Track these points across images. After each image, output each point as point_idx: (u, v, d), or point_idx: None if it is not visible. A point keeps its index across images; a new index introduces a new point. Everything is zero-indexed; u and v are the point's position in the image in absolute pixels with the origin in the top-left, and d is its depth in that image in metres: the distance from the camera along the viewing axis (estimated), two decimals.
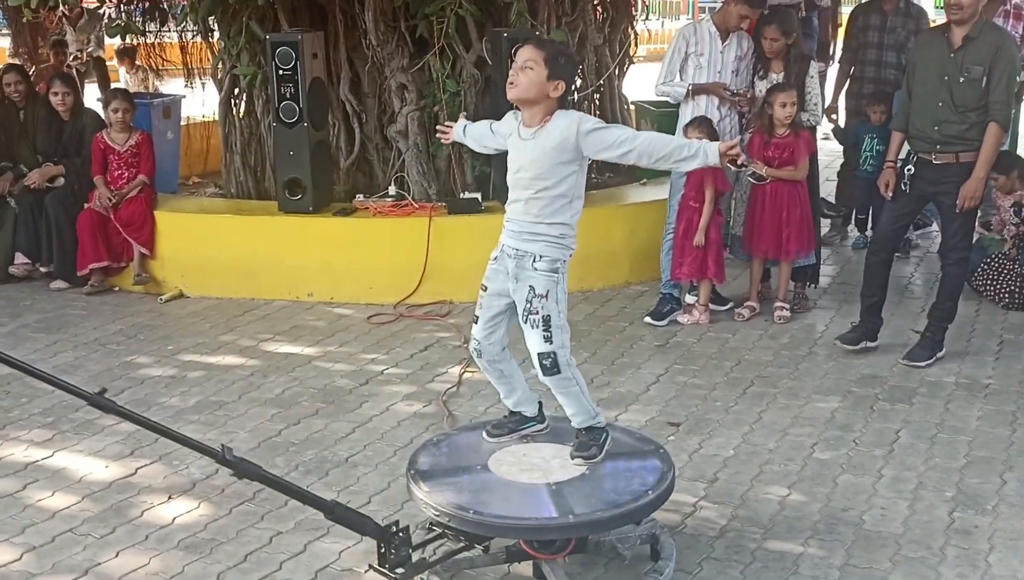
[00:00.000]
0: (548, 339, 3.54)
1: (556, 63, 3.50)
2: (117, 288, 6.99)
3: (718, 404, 5.02)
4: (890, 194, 5.42)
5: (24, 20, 9.10)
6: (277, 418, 4.92)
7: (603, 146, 3.50)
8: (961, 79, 5.11)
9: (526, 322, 3.58)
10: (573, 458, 3.59)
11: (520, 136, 3.60)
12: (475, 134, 3.98)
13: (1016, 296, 6.30)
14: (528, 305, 3.55)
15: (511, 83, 3.53)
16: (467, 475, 3.54)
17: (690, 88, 6.01)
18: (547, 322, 3.54)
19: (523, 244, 3.58)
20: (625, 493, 3.42)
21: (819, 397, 5.09)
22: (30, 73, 9.28)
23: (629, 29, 8.52)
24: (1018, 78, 5.47)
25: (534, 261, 3.56)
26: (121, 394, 5.21)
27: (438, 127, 4.20)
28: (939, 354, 5.48)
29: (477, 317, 3.74)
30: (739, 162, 3.51)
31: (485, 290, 3.72)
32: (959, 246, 5.38)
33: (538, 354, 3.56)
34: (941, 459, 4.42)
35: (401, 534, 3.34)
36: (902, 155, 5.49)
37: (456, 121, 4.09)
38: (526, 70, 3.49)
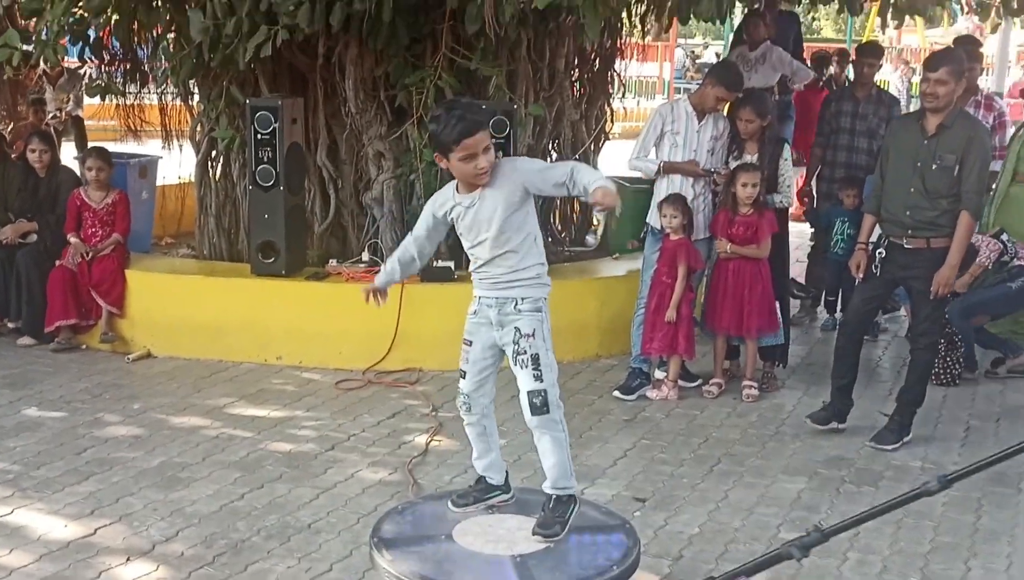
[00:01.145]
0: (538, 377, 3.57)
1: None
2: (85, 346, 6.92)
3: (685, 481, 5.00)
4: (861, 275, 5.48)
5: (4, 77, 9.12)
6: (240, 482, 4.86)
7: (549, 181, 3.56)
8: (934, 166, 5.19)
9: (516, 363, 3.60)
10: (535, 534, 3.56)
11: (464, 205, 3.61)
12: (404, 260, 3.89)
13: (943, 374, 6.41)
14: (516, 346, 3.59)
15: (485, 172, 3.54)
16: (431, 544, 3.51)
17: (661, 165, 6.08)
18: (536, 360, 3.58)
19: (502, 292, 3.62)
20: (590, 568, 3.40)
21: (786, 477, 5.08)
22: (8, 130, 9.31)
23: (606, 106, 8.65)
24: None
25: (517, 305, 3.60)
26: (84, 453, 5.14)
27: (371, 298, 4.07)
28: (906, 438, 5.50)
29: (464, 372, 3.75)
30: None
31: (470, 345, 3.73)
32: (929, 331, 5.43)
33: (528, 392, 3.58)
34: (906, 544, 4.41)
35: None
36: (873, 237, 5.57)
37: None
38: (489, 153, 3.54)
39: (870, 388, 6.34)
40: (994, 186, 7.20)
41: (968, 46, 6.96)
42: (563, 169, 3.58)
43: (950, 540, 4.45)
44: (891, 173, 5.38)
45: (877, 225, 5.51)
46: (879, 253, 5.39)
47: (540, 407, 3.58)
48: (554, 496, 3.65)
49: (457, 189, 3.64)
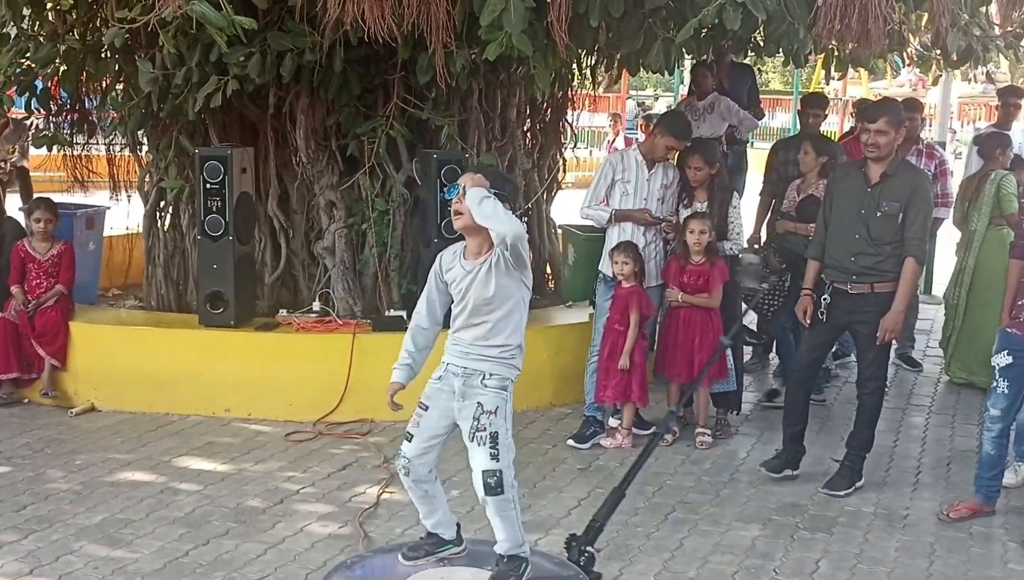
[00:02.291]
0: (495, 457, 3.52)
1: (512, 195, 3.58)
2: (27, 400, 6.76)
3: (639, 530, 4.96)
4: (808, 321, 5.52)
5: None
6: (185, 538, 4.74)
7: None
8: (878, 214, 5.26)
9: (472, 440, 3.55)
10: None
11: (464, 268, 3.63)
12: (423, 347, 3.89)
13: None
14: (476, 422, 3.54)
15: (457, 212, 3.56)
16: None
17: (613, 213, 6.11)
18: (495, 439, 3.53)
19: (472, 363, 3.58)
20: None
21: (740, 524, 5.06)
22: None
23: (558, 155, 8.69)
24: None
25: (483, 379, 3.56)
26: (23, 510, 5.00)
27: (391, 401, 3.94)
28: (858, 483, 5.51)
29: (411, 435, 3.69)
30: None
31: (425, 410, 3.68)
32: (875, 376, 5.47)
33: (483, 471, 3.52)
34: None
35: None
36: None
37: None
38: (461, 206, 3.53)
39: (822, 434, 6.36)
40: (973, 228, 7.32)
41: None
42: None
43: None
44: (835, 220, 5.44)
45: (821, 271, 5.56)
46: (824, 299, 5.44)
47: (494, 488, 3.53)
48: (508, 555, 3.60)
49: (464, 254, 3.65)
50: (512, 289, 3.60)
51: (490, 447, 3.53)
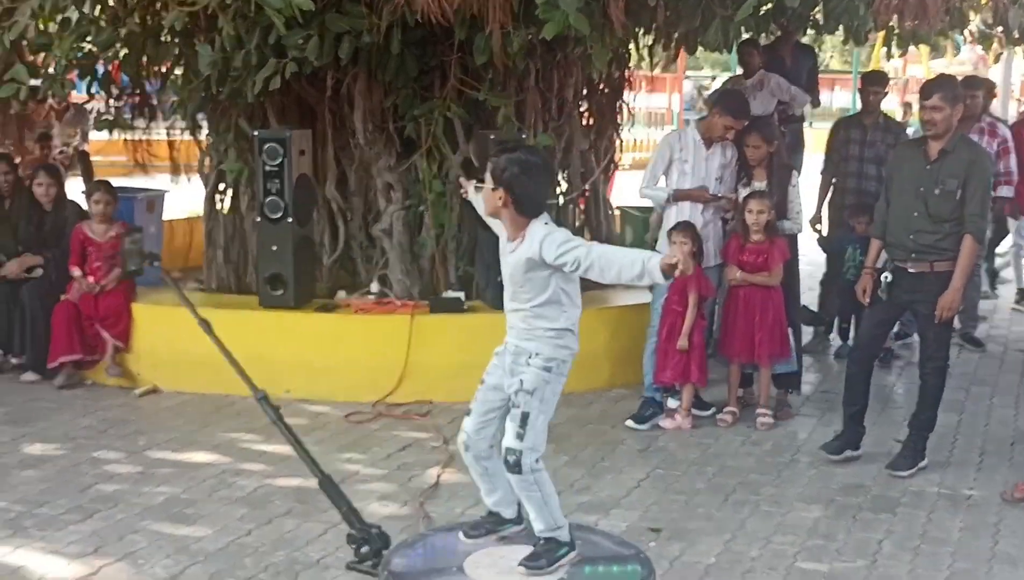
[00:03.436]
0: (520, 437, 3.50)
1: (497, 172, 3.51)
2: (91, 381, 6.87)
3: (700, 510, 4.92)
4: (867, 300, 5.45)
5: (11, 112, 9.14)
6: (247, 517, 4.79)
7: (561, 262, 3.47)
8: (936, 191, 5.19)
9: (508, 415, 3.54)
10: (520, 564, 3.50)
11: (505, 249, 3.62)
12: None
13: None
14: (514, 397, 3.53)
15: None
16: (442, 577, 3.45)
17: (671, 193, 6.05)
18: (524, 419, 3.50)
19: (522, 342, 3.59)
20: None
21: (802, 505, 5.01)
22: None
23: (615, 136, 8.63)
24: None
25: (530, 357, 3.55)
26: (88, 490, 5.08)
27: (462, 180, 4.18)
28: (921, 464, 5.44)
29: (471, 410, 3.70)
30: (677, 269, 3.37)
31: (483, 383, 3.70)
32: (936, 355, 5.40)
33: (506, 448, 3.54)
34: (924, 570, 4.34)
35: None
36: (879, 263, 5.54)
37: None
38: (484, 188, 3.54)
39: (884, 414, 6.27)
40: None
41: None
42: (578, 255, 3.45)
43: (967, 566, 4.38)
44: (895, 199, 5.40)
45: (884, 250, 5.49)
46: (885, 278, 5.38)
47: (513, 466, 3.53)
48: (545, 537, 3.59)
49: (507, 234, 3.65)
50: (547, 280, 3.54)
51: (518, 426, 3.52)
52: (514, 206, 3.51)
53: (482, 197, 3.60)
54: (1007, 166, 7.58)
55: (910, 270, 5.30)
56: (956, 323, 7.47)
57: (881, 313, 5.52)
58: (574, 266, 3.46)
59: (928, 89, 5.28)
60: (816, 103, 9.64)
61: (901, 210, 5.34)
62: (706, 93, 20.38)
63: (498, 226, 3.71)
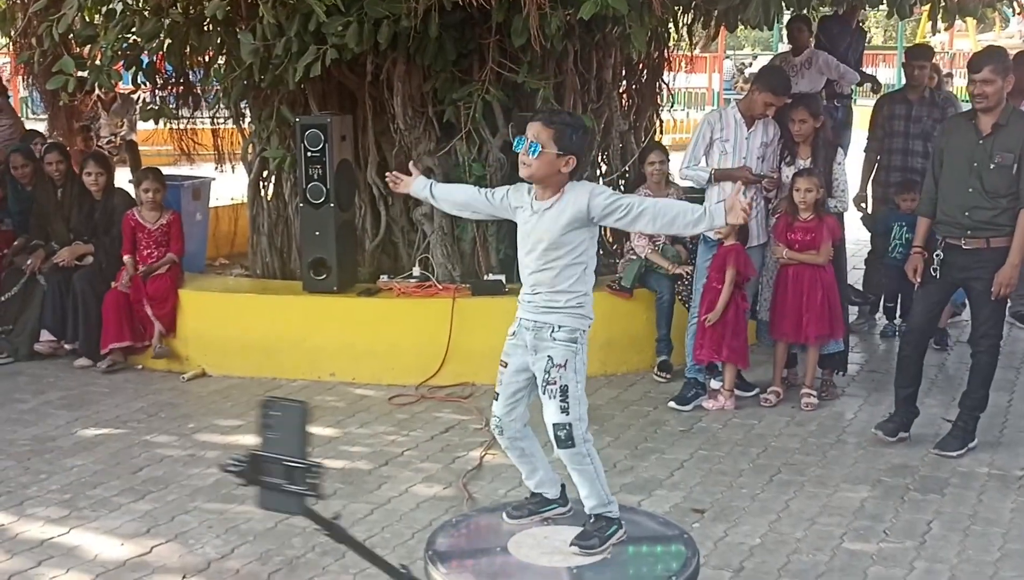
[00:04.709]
0: (565, 410, 3.51)
1: (566, 139, 3.51)
2: (140, 366, 6.98)
3: (744, 491, 4.91)
4: (918, 280, 5.38)
5: (60, 103, 9.27)
6: None
7: (611, 210, 3.51)
8: (992, 165, 5.10)
9: (544, 393, 3.56)
10: (571, 544, 3.51)
11: (532, 209, 3.61)
12: (452, 198, 3.91)
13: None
14: (547, 375, 3.54)
15: (523, 163, 3.54)
16: (486, 557, 3.47)
17: (713, 173, 6.02)
18: (564, 392, 3.51)
19: (541, 316, 3.57)
20: (648, 578, 3.34)
21: (848, 486, 4.98)
22: None
23: (655, 117, 8.59)
24: None
25: (553, 331, 3.55)
26: (139, 472, 5.18)
27: (387, 174, 4.07)
28: (971, 444, 5.37)
29: (497, 394, 3.71)
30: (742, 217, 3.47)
31: (505, 366, 3.70)
32: (990, 333, 5.31)
33: (553, 425, 3.54)
34: (974, 552, 4.30)
35: None
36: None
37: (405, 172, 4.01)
38: (532, 154, 3.51)
39: (932, 394, 6.21)
40: None
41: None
42: (631, 201, 3.53)
43: (1019, 548, 4.34)
44: (947, 174, 5.29)
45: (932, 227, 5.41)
46: (937, 255, 5.29)
47: (565, 441, 3.53)
48: (595, 515, 3.60)
49: (536, 194, 3.62)
50: (583, 236, 3.57)
51: (560, 400, 3.53)
52: (574, 170, 3.54)
53: (531, 161, 3.53)
54: None
55: (964, 247, 5.21)
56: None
57: (934, 293, 5.44)
58: (625, 212, 3.50)
59: (977, 61, 5.16)
60: (877, 87, 9.54)
61: (954, 186, 5.24)
62: (747, 71, 20.21)
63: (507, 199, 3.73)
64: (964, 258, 5.22)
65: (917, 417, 5.55)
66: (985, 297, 5.19)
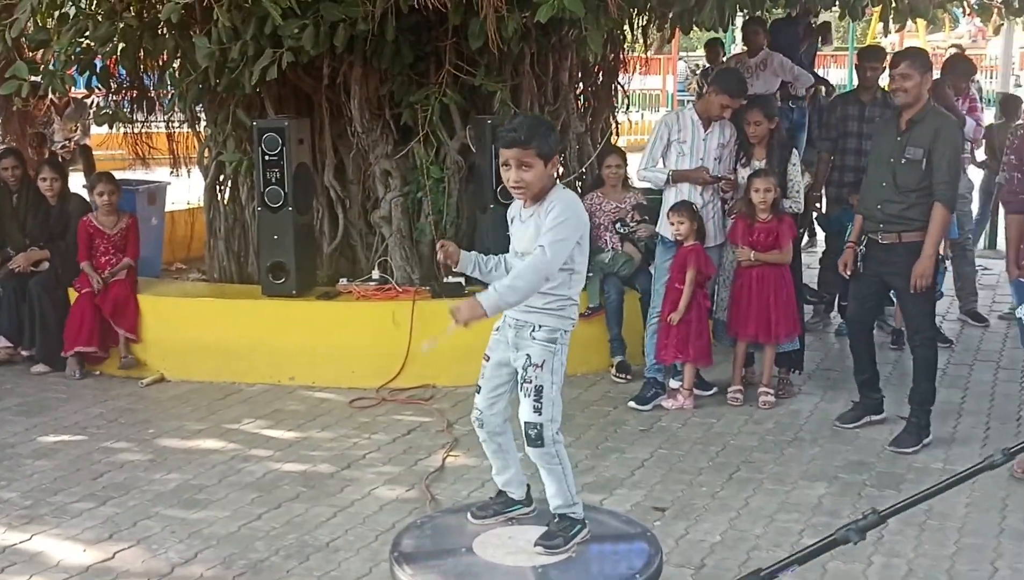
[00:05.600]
0: (538, 410, 3.55)
1: (544, 146, 3.54)
2: (99, 372, 6.92)
3: (704, 489, 4.97)
4: (848, 273, 5.50)
5: (13, 108, 9.16)
6: (257, 502, 4.84)
7: (545, 226, 3.53)
8: (903, 160, 5.25)
9: (520, 390, 3.59)
10: (535, 544, 3.54)
11: (521, 218, 3.66)
12: (492, 267, 3.84)
13: None
14: (524, 373, 3.58)
15: (519, 188, 3.54)
16: (452, 558, 3.49)
17: (671, 174, 6.07)
18: (539, 392, 3.55)
19: (523, 314, 3.61)
20: (612, 577, 3.39)
21: (806, 483, 5.05)
22: None
23: (611, 119, 8.65)
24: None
25: (533, 330, 3.58)
26: (100, 478, 5.14)
27: (440, 255, 3.86)
28: (926, 440, 5.46)
29: (480, 387, 3.74)
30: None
31: (488, 360, 3.73)
32: (922, 327, 5.45)
33: (525, 423, 3.57)
34: (931, 546, 4.37)
35: None
36: None
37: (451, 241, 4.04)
38: (525, 169, 3.53)
39: (887, 391, 6.24)
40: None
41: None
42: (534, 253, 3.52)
43: (975, 541, 4.41)
44: (870, 169, 5.51)
45: None
46: (860, 250, 5.43)
47: (535, 440, 3.57)
48: (560, 514, 3.64)
49: (524, 202, 3.66)
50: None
51: (534, 400, 3.56)
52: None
53: (530, 177, 3.53)
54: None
55: (880, 241, 5.36)
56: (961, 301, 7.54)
57: (864, 286, 5.58)
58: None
59: (897, 58, 5.33)
60: (830, 90, 9.69)
61: (873, 181, 5.41)
62: (698, 73, 20.36)
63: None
64: (881, 252, 5.37)
65: (883, 400, 5.70)
66: (908, 293, 5.32)
